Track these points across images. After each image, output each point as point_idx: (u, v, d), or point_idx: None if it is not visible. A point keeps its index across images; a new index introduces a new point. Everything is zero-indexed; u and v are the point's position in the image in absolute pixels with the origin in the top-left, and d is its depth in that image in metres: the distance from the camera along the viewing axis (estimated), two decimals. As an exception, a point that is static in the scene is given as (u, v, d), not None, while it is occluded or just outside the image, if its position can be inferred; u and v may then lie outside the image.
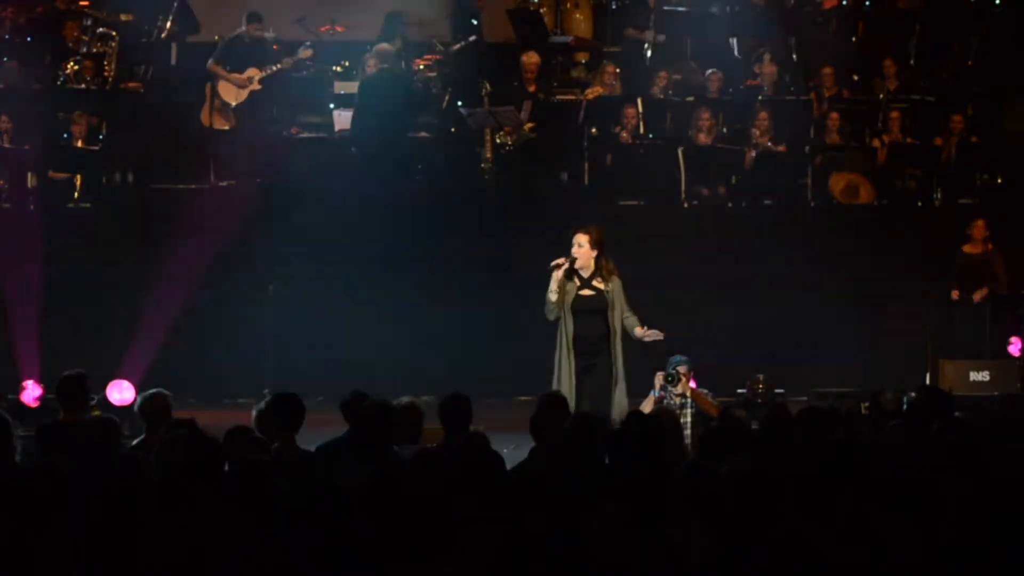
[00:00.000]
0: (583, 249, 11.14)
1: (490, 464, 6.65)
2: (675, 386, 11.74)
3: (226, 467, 6.64)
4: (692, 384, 11.89)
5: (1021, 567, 5.64)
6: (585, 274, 11.19)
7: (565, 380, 11.05)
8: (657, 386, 11.81)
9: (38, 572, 5.72)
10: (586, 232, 11.17)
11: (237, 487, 6.20)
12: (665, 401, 11.70)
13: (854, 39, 18.14)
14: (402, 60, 17.47)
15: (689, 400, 11.74)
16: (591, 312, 11.13)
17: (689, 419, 11.58)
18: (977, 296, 15.42)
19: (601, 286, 11.16)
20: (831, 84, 17.25)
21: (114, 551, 5.79)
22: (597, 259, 11.17)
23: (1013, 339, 14.87)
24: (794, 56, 17.38)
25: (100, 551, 5.78)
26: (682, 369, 11.79)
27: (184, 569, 5.75)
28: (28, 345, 14.75)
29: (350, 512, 5.85)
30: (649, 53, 17.73)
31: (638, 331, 11.11)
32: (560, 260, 11.15)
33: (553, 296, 11.09)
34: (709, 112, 16.62)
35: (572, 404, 10.54)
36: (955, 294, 15.52)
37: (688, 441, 10.64)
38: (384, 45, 16.30)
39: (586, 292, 11.17)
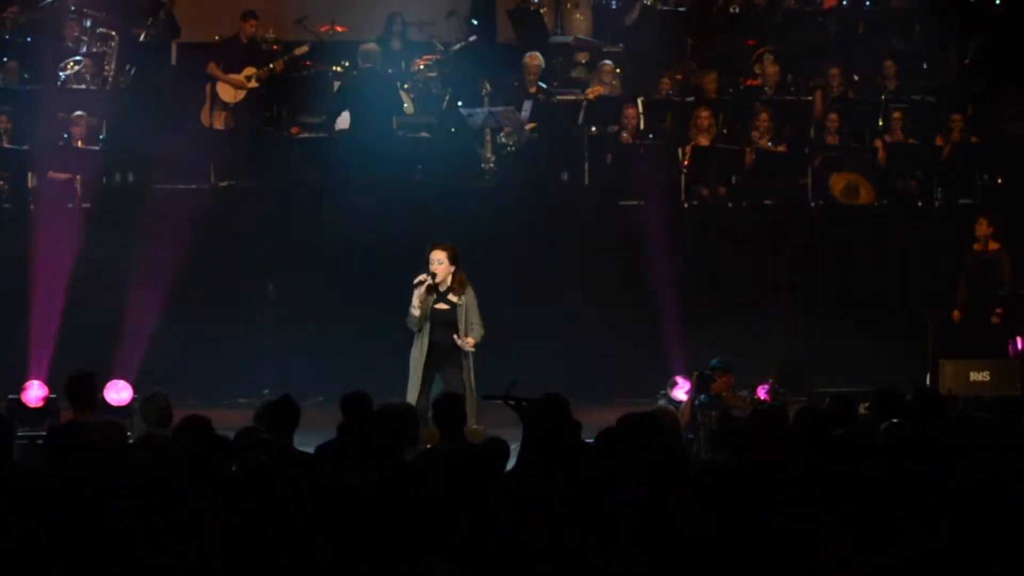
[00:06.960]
0: (443, 265, 11.84)
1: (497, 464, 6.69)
2: (709, 387, 12.26)
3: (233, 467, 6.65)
4: (729, 384, 12.42)
5: (1019, 567, 5.64)
6: (442, 288, 11.87)
7: (415, 383, 11.76)
8: (689, 387, 12.39)
9: (40, 572, 5.72)
10: (444, 249, 11.86)
11: (242, 487, 6.21)
12: (697, 401, 12.21)
13: (854, 39, 18.13)
14: (403, 60, 17.49)
15: (717, 400, 12.22)
16: (445, 324, 11.82)
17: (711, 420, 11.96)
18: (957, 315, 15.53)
19: (455, 299, 11.82)
20: (838, 84, 17.25)
21: (116, 551, 5.79)
22: (453, 274, 11.83)
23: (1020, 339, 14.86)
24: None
25: (103, 551, 5.79)
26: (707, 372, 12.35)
27: (187, 569, 5.75)
28: (40, 345, 14.80)
29: (352, 512, 5.85)
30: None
31: (457, 340, 11.77)
32: (423, 277, 11.81)
33: (416, 312, 11.77)
34: (709, 112, 16.62)
35: (416, 400, 11.46)
36: (956, 315, 15.55)
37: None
38: (370, 44, 16.25)
39: (441, 306, 11.89)
